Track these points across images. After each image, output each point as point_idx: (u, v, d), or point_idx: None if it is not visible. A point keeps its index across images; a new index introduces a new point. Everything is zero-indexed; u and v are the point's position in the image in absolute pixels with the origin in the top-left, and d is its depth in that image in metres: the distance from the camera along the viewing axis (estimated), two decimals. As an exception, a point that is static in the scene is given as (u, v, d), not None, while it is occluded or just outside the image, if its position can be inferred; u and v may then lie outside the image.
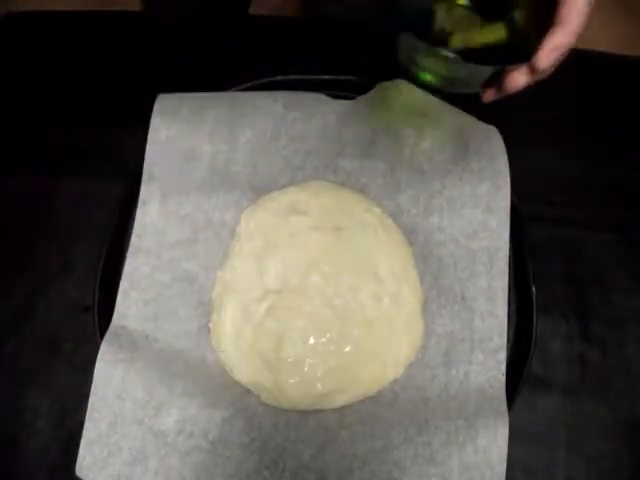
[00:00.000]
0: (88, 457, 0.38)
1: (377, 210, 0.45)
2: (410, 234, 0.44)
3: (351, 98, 0.47)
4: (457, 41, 0.34)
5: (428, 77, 0.36)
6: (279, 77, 0.48)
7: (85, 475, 0.37)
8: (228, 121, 0.46)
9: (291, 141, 0.46)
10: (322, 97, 0.47)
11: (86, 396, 0.38)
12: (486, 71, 0.34)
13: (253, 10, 0.75)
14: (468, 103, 0.48)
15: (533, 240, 0.44)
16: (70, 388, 0.42)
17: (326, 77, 0.48)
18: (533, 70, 0.32)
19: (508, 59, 0.32)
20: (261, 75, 0.48)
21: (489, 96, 0.37)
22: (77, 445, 0.38)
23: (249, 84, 0.48)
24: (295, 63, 0.49)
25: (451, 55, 0.32)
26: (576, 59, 0.40)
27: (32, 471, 0.41)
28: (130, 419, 0.38)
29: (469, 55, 0.32)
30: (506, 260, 0.43)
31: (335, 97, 0.47)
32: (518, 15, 0.33)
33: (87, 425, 0.38)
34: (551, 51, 0.30)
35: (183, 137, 0.45)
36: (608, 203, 0.48)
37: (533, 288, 0.42)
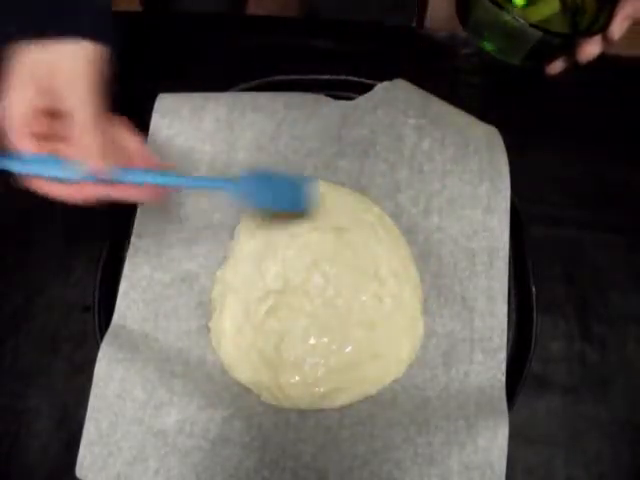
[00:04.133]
0: (88, 457, 0.38)
1: (377, 210, 0.45)
2: (410, 234, 0.44)
3: (351, 98, 0.47)
4: (517, 15, 0.38)
5: (488, 46, 0.43)
6: (279, 77, 0.48)
7: (85, 475, 0.37)
8: (228, 121, 0.46)
9: (291, 141, 0.46)
10: (322, 97, 0.47)
11: (86, 396, 0.38)
12: (533, 39, 0.38)
13: (253, 10, 0.75)
14: (467, 103, 0.48)
15: (533, 240, 0.44)
16: (70, 388, 0.42)
17: (326, 77, 0.48)
18: (607, 40, 0.35)
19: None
20: (261, 75, 0.48)
21: (556, 68, 0.40)
22: (77, 445, 0.38)
23: (249, 84, 0.48)
24: (295, 63, 0.49)
25: (521, 21, 0.36)
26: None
27: (32, 471, 0.41)
28: (130, 419, 0.38)
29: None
30: (506, 260, 0.43)
31: (335, 97, 0.47)
32: None
33: (87, 425, 0.38)
34: (623, 21, 0.34)
35: (183, 137, 0.46)
36: (608, 203, 0.48)
37: (533, 288, 0.42)
